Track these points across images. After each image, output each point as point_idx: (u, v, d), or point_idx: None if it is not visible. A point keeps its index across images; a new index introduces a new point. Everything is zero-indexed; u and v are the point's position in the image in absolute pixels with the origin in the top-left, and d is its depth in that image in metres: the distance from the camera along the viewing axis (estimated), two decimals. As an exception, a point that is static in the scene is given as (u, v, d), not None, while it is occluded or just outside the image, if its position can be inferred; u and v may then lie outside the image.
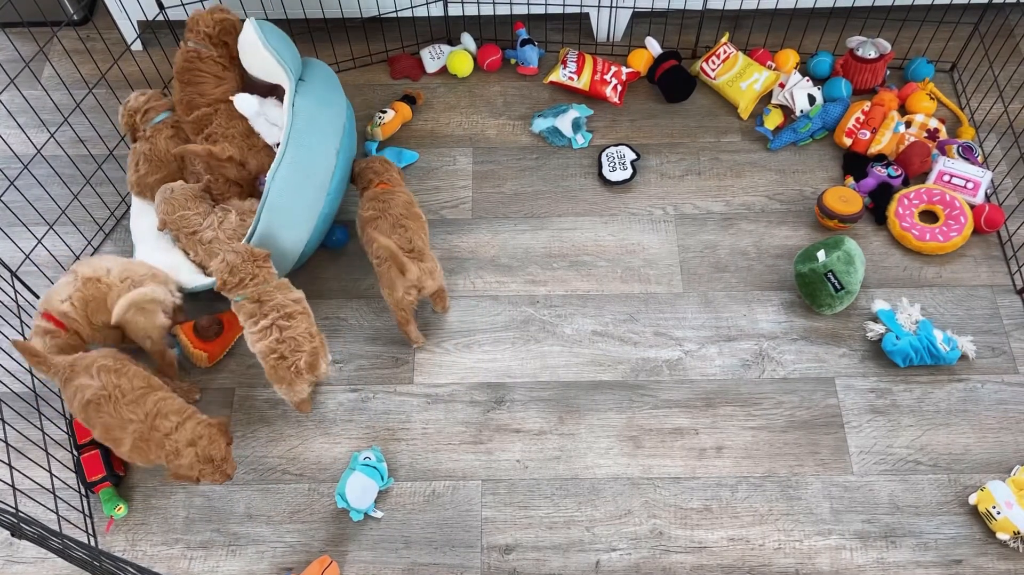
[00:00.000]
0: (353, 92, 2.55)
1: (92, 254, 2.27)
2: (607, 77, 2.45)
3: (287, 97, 2.06)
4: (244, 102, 2.11)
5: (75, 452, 1.92)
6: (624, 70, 2.48)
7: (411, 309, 1.99)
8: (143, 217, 2.20)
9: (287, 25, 2.55)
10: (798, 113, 2.40)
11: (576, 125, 2.40)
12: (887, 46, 2.38)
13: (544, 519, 1.87)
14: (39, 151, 2.10)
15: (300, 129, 2.03)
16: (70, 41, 2.67)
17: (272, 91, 2.22)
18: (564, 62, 2.49)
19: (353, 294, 2.19)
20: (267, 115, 2.14)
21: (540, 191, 2.35)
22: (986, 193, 2.26)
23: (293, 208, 2.02)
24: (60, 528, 1.73)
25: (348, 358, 2.09)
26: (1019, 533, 1.77)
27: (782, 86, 2.43)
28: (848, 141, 2.35)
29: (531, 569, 1.82)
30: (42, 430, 1.92)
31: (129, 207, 2.29)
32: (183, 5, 2.41)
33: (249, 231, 1.99)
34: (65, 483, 1.89)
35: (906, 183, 2.29)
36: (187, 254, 2.10)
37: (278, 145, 2.13)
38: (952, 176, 2.24)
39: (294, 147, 2.02)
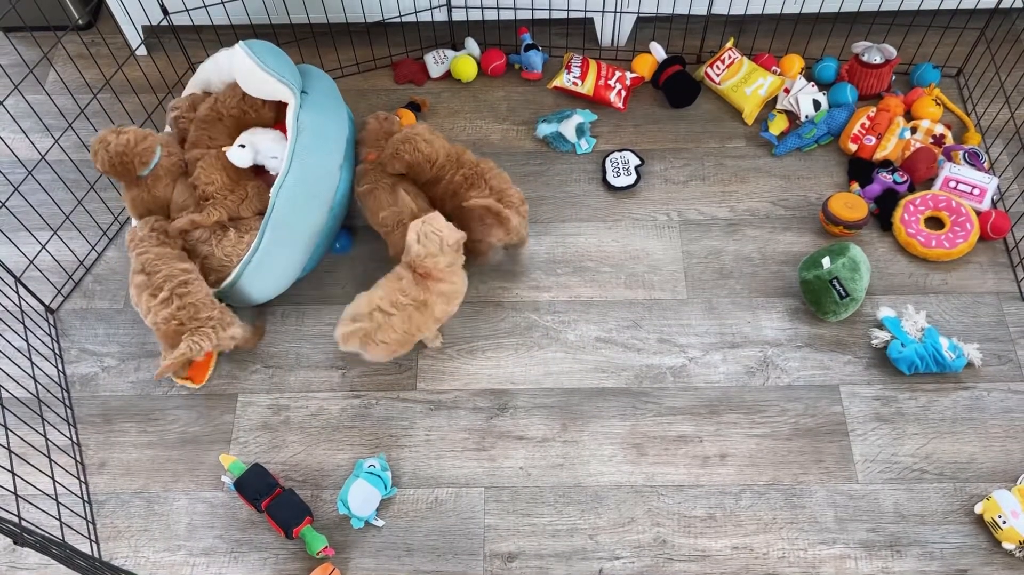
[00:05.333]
0: (357, 97, 2.55)
1: (96, 259, 2.28)
2: (611, 82, 2.44)
3: (291, 112, 2.05)
4: (237, 156, 2.07)
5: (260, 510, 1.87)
6: (628, 75, 2.48)
7: None
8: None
9: (291, 30, 2.55)
10: (803, 118, 2.39)
11: (580, 130, 2.39)
12: (893, 51, 2.37)
13: (547, 527, 1.87)
14: (43, 156, 2.10)
15: (305, 145, 2.03)
16: (74, 46, 2.68)
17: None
18: (568, 67, 2.48)
19: (356, 300, 2.19)
20: (265, 154, 2.10)
21: (544, 196, 2.34)
22: (992, 199, 2.25)
23: (297, 224, 2.02)
24: (63, 535, 1.73)
25: (350, 364, 2.09)
26: (1025, 543, 1.76)
27: (787, 91, 2.42)
28: (853, 147, 2.34)
29: (534, 577, 1.81)
30: (45, 436, 1.92)
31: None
32: (187, 11, 2.42)
33: (253, 246, 1.99)
34: (68, 489, 1.89)
35: (912, 189, 2.28)
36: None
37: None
38: (958, 182, 2.23)
39: (299, 164, 2.01)
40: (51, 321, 2.18)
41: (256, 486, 1.85)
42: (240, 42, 2.10)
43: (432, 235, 1.90)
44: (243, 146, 2.08)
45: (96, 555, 1.86)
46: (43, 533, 1.31)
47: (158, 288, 1.94)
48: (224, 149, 2.08)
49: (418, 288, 1.91)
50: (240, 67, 2.09)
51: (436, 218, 1.93)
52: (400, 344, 1.95)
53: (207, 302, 1.95)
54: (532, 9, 2.52)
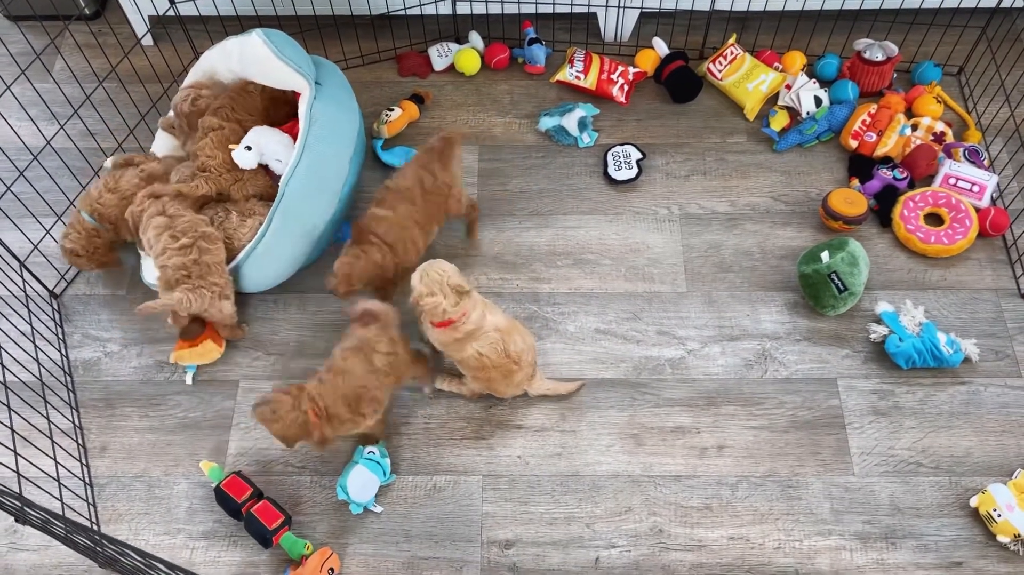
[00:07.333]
0: (361, 89, 2.56)
1: (100, 246, 2.29)
2: (614, 77, 2.46)
3: (305, 102, 2.06)
4: (242, 158, 2.09)
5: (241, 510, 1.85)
6: (631, 70, 2.49)
7: None
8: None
9: (296, 21, 2.57)
10: (804, 115, 2.40)
11: (582, 124, 2.40)
12: (894, 49, 2.38)
13: (544, 515, 1.88)
14: (49, 143, 2.12)
15: (318, 136, 2.04)
16: (82, 35, 2.70)
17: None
18: (571, 61, 2.50)
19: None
20: (270, 156, 2.11)
21: (545, 189, 2.36)
22: (992, 197, 2.26)
23: (305, 213, 2.04)
24: (64, 515, 1.74)
25: (352, 352, 2.10)
26: (1019, 536, 1.77)
27: (789, 88, 2.43)
28: (854, 143, 2.35)
29: (531, 564, 1.82)
30: (48, 419, 1.94)
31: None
32: (194, 0, 2.43)
33: (260, 232, 2.00)
34: (70, 471, 1.91)
35: (911, 186, 2.29)
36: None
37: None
38: (958, 179, 2.24)
39: (310, 154, 2.03)
40: (55, 306, 2.20)
41: (229, 505, 1.84)
42: (257, 29, 2.11)
43: (433, 274, 1.79)
44: (249, 148, 2.09)
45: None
46: (45, 510, 1.32)
47: (181, 232, 1.95)
48: (231, 147, 2.10)
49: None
50: (255, 54, 2.10)
51: (439, 261, 1.84)
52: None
53: (219, 269, 1.98)
54: (536, 3, 2.54)
